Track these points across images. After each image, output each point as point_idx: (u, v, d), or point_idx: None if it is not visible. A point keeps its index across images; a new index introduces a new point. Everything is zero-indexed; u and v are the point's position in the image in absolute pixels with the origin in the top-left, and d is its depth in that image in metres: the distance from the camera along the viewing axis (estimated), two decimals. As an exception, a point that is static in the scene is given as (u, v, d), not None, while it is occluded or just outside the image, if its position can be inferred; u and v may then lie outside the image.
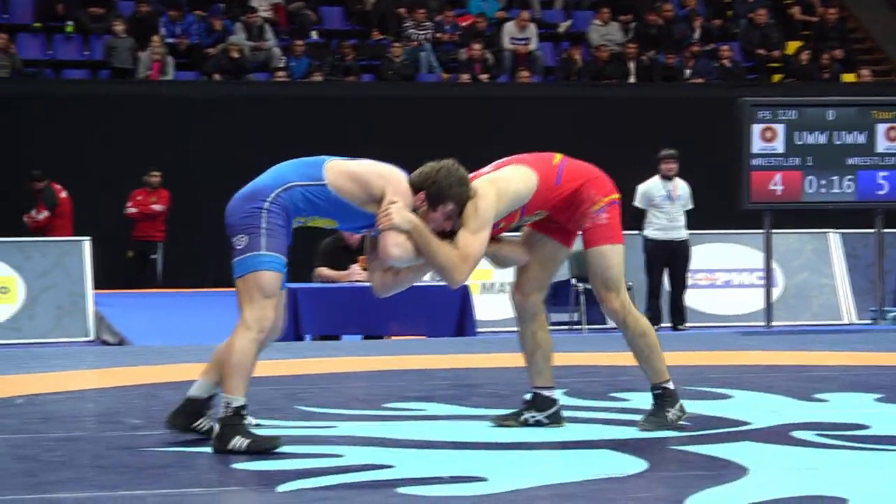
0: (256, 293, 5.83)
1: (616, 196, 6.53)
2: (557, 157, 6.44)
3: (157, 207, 17.65)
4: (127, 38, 19.58)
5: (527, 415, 6.48)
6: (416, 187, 6.03)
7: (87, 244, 14.16)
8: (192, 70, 20.02)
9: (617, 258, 6.46)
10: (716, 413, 6.96)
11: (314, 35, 21.28)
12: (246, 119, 18.61)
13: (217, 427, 5.82)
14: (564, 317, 14.36)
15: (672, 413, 6.40)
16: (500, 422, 6.49)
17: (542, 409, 6.50)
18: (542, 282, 6.56)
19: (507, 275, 14.63)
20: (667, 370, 6.50)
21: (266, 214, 5.81)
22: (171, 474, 5.48)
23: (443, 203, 6.01)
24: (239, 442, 5.76)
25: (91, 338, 13.68)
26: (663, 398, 6.43)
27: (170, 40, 20.09)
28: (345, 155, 6.18)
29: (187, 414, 6.16)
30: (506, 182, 6.23)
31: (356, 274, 11.21)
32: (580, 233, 6.48)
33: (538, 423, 6.45)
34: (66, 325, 13.74)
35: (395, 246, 5.90)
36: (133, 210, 17.66)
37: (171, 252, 18.08)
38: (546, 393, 6.54)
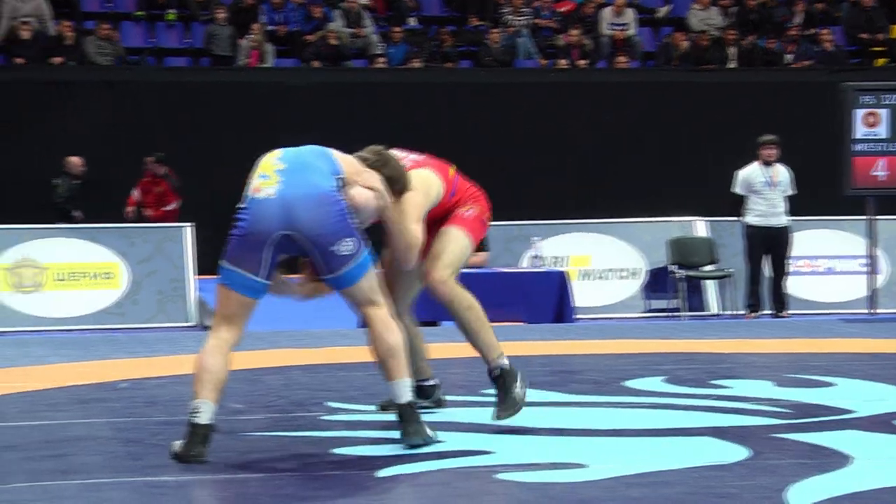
0: (376, 283, 5.70)
1: (488, 216, 6.48)
2: (452, 171, 6.44)
3: None
4: (227, 26, 19.73)
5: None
6: (372, 168, 6.02)
7: (188, 230, 14.30)
8: (290, 57, 20.13)
9: (462, 246, 6.32)
10: (819, 401, 6.89)
11: (412, 21, 21.30)
12: (344, 106, 18.67)
13: (408, 412, 5.59)
14: (663, 304, 14.28)
15: (517, 389, 6.22)
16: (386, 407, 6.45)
17: (429, 396, 6.56)
18: (411, 300, 6.52)
19: (607, 262, 14.63)
20: (498, 344, 6.30)
21: (349, 212, 5.63)
22: (273, 458, 5.53)
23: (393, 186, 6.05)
24: (431, 431, 5.63)
25: (193, 323, 13.82)
26: (503, 378, 6.25)
27: (269, 28, 20.22)
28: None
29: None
30: (430, 184, 6.26)
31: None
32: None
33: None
34: (168, 311, 13.90)
35: (364, 198, 5.85)
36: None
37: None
38: (429, 383, 6.60)
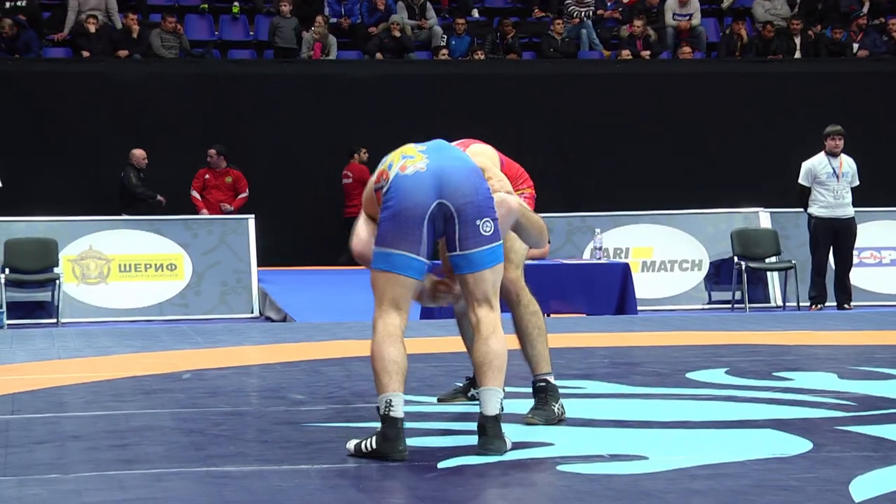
0: (500, 282, 5.54)
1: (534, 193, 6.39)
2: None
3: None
4: (291, 19, 19.80)
5: (473, 391, 6.46)
6: None
7: (251, 222, 14.38)
8: (353, 49, 20.18)
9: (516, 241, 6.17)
10: (883, 394, 6.83)
11: (475, 13, 21.29)
12: (407, 98, 18.70)
13: (493, 426, 5.39)
14: (726, 295, 14.20)
15: (556, 406, 6.07)
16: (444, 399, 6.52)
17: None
18: None
19: (669, 253, 14.57)
20: (550, 360, 6.16)
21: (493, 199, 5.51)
22: (334, 449, 5.54)
23: None
24: (509, 442, 5.46)
25: (255, 314, 13.91)
26: (546, 392, 6.10)
27: (333, 20, 20.27)
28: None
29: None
30: (491, 155, 6.16)
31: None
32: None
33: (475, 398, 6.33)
34: (230, 302, 13.99)
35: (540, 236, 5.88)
36: (348, 180, 17.68)
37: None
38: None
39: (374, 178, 5.58)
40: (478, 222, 5.37)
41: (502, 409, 5.41)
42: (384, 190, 5.43)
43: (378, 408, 5.31)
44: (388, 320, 5.40)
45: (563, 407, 6.11)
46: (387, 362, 5.32)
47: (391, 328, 5.38)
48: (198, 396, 7.02)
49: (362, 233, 5.67)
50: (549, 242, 6.05)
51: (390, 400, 5.28)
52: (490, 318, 5.44)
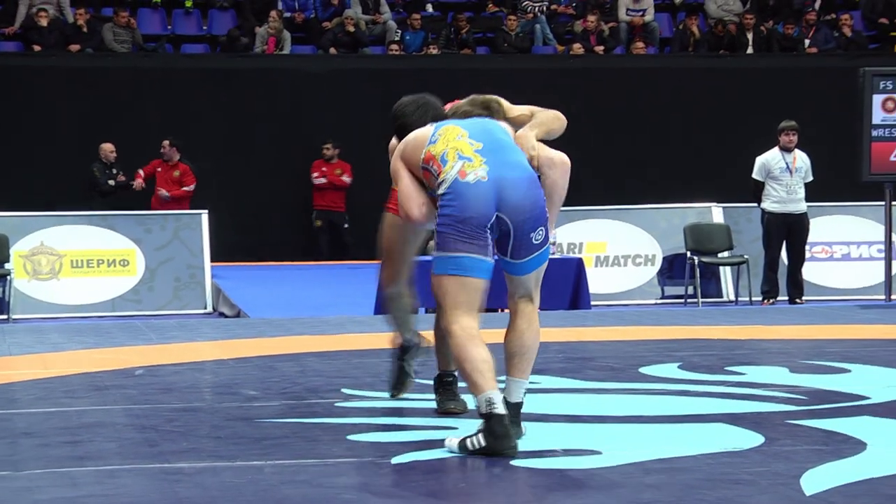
0: (542, 276, 5.59)
1: None
2: None
3: (345, 178, 17.72)
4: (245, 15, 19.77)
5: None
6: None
7: (204, 217, 14.33)
8: (308, 44, 20.13)
9: None
10: (834, 387, 6.88)
11: (429, 8, 21.29)
12: (361, 93, 18.67)
13: (516, 414, 5.50)
14: (679, 290, 14.26)
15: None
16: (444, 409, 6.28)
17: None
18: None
19: (622, 248, 14.61)
20: None
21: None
22: (288, 445, 5.53)
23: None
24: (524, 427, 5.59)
25: (208, 310, 13.86)
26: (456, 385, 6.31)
27: (287, 15, 20.22)
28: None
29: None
30: None
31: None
32: None
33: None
34: (184, 297, 13.94)
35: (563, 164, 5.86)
36: (322, 180, 17.69)
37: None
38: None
39: (421, 154, 5.54)
40: (532, 234, 5.44)
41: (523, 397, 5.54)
42: (441, 191, 5.42)
43: (478, 408, 5.31)
44: (465, 323, 5.40)
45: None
46: (477, 362, 5.32)
47: (470, 330, 5.39)
48: (151, 392, 7.00)
49: (414, 197, 5.61)
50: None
51: (490, 398, 5.27)
52: (529, 311, 5.54)
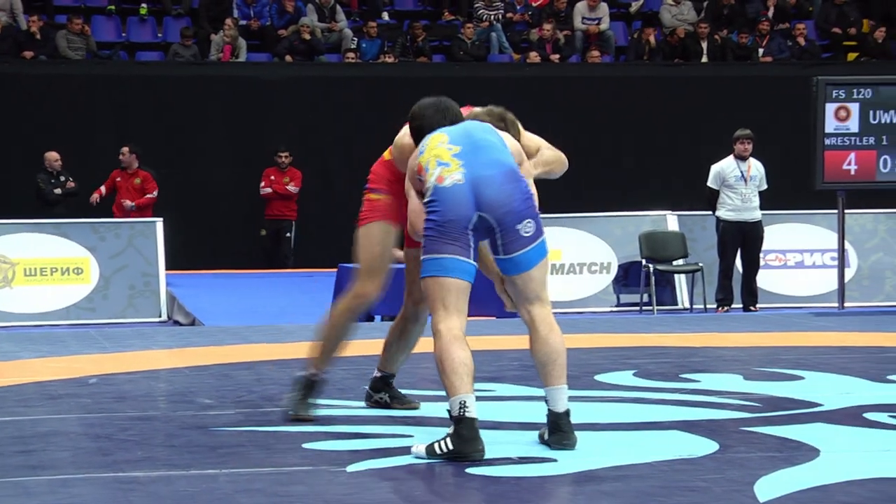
0: (547, 275, 5.62)
1: None
2: None
3: (291, 188, 17.66)
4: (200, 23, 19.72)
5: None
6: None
7: (159, 225, 14.27)
8: (263, 52, 20.10)
9: None
10: (788, 394, 6.92)
11: (385, 16, 21.30)
12: (317, 101, 18.65)
13: (566, 422, 5.53)
14: (635, 298, 14.31)
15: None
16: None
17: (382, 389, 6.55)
18: None
19: (577, 256, 14.63)
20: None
21: (532, 193, 5.58)
22: (243, 453, 5.52)
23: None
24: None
25: (163, 318, 13.80)
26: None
27: (242, 22, 20.18)
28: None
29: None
30: None
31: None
32: None
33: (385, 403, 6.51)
34: (138, 306, 13.87)
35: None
36: (267, 190, 17.64)
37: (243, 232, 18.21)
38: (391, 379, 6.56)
39: (413, 164, 5.67)
40: (517, 227, 5.47)
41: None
42: (426, 198, 5.52)
43: (449, 410, 5.33)
44: (450, 324, 5.45)
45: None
46: (456, 364, 5.35)
47: (455, 331, 5.43)
48: (105, 401, 6.96)
49: (419, 214, 5.67)
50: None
51: (464, 401, 5.30)
52: (544, 315, 5.55)
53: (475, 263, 5.51)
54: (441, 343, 5.40)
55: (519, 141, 5.98)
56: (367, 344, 9.42)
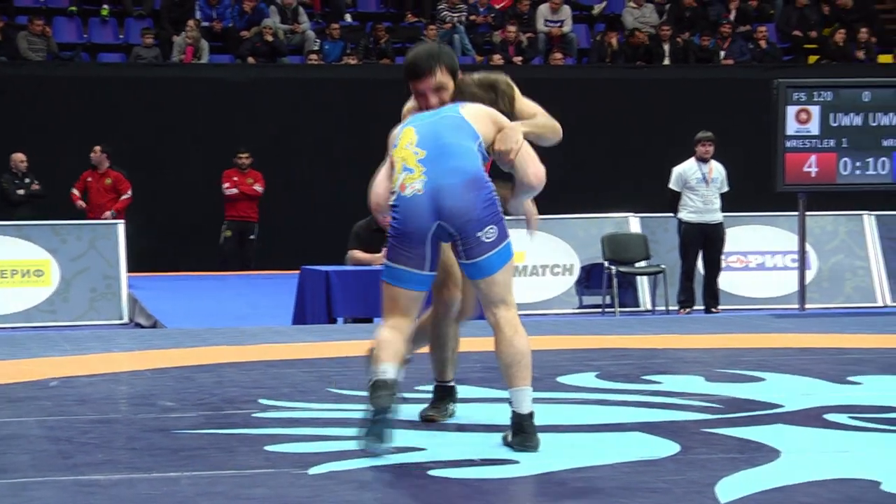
0: (512, 280, 5.63)
1: None
2: None
3: (257, 188, 17.61)
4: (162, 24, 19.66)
5: (451, 406, 6.34)
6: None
7: (121, 227, 14.22)
8: (226, 53, 20.06)
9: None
10: (749, 396, 6.94)
11: (348, 18, 21.29)
12: (280, 102, 18.62)
13: (529, 424, 5.54)
14: (597, 299, 14.34)
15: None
16: (427, 416, 6.26)
17: (455, 399, 6.38)
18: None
19: (540, 258, 14.65)
20: None
21: (496, 197, 5.57)
22: (204, 456, 5.50)
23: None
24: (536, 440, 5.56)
25: (125, 320, 13.75)
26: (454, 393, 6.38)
27: (204, 24, 20.14)
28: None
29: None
30: None
31: (389, 257, 11.20)
32: None
33: (453, 413, 6.34)
34: (99, 308, 13.81)
35: (537, 166, 5.81)
36: (233, 191, 17.56)
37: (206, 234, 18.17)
38: (453, 384, 6.42)
39: (390, 141, 5.74)
40: (478, 234, 5.50)
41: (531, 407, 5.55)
42: (391, 201, 5.57)
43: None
44: (391, 323, 5.60)
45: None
46: (382, 342, 5.53)
47: (394, 330, 5.58)
48: (65, 404, 6.93)
49: (381, 185, 5.74)
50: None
51: (379, 369, 5.47)
52: (509, 317, 5.58)
53: (431, 273, 5.57)
54: (377, 342, 5.57)
55: (512, 110, 5.90)
56: (329, 346, 9.44)
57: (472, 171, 5.53)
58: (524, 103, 6.00)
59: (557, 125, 6.00)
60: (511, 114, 5.91)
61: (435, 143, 5.57)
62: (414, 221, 5.48)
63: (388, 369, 5.47)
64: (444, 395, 6.33)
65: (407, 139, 5.62)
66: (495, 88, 5.91)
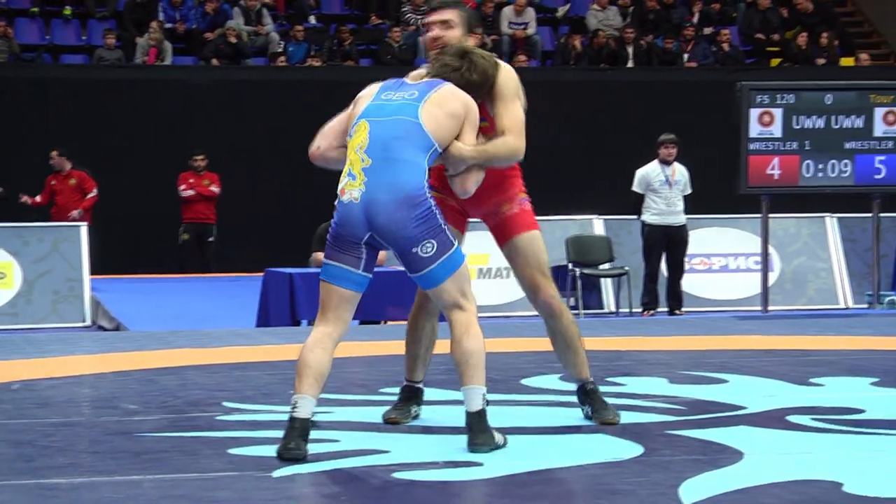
0: (466, 284, 5.61)
1: None
2: None
3: (214, 189, 17.55)
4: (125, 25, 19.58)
5: (415, 409, 6.31)
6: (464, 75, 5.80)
7: (83, 229, 14.16)
8: (189, 55, 20.00)
9: (544, 244, 6.31)
10: (712, 397, 6.96)
11: (312, 20, 21.26)
12: (244, 104, 18.58)
13: (477, 422, 5.52)
14: (562, 301, 14.34)
15: (612, 412, 6.21)
16: (390, 418, 6.23)
17: (421, 401, 6.35)
18: None
19: (502, 261, 14.63)
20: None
21: (436, 209, 5.54)
22: (168, 459, 5.48)
23: (479, 96, 5.83)
24: (499, 437, 5.58)
25: (87, 323, 13.69)
26: (597, 392, 6.28)
27: (168, 25, 20.07)
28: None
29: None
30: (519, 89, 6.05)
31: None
32: (484, 219, 6.19)
33: (417, 416, 6.31)
34: (62, 311, 13.75)
35: (470, 183, 5.78)
36: (190, 192, 17.50)
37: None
38: (421, 386, 6.37)
39: (350, 115, 5.84)
40: (414, 250, 5.51)
41: (486, 404, 5.51)
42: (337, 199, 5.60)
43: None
44: (321, 328, 5.59)
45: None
46: (302, 366, 5.50)
47: (320, 335, 5.56)
48: (27, 407, 6.89)
49: (324, 139, 5.88)
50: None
51: (296, 401, 5.45)
52: (461, 318, 5.58)
53: (365, 275, 5.60)
54: (305, 344, 5.58)
55: (486, 88, 5.82)
56: (293, 349, 9.41)
57: (409, 189, 5.49)
58: (507, 109, 5.89)
59: (518, 147, 5.89)
60: (480, 87, 5.80)
61: (382, 154, 5.55)
62: (348, 227, 5.53)
63: (303, 404, 5.44)
64: (410, 396, 6.32)
65: (359, 139, 5.61)
66: (467, 57, 5.85)
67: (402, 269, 5.72)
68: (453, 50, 5.93)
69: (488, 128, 5.88)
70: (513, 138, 5.87)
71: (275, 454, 5.43)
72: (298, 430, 5.40)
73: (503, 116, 5.89)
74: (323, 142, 5.87)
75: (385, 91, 5.82)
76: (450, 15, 5.96)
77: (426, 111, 5.65)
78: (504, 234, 6.22)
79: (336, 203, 5.59)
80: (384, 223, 5.47)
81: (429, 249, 5.51)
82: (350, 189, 5.53)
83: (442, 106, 5.68)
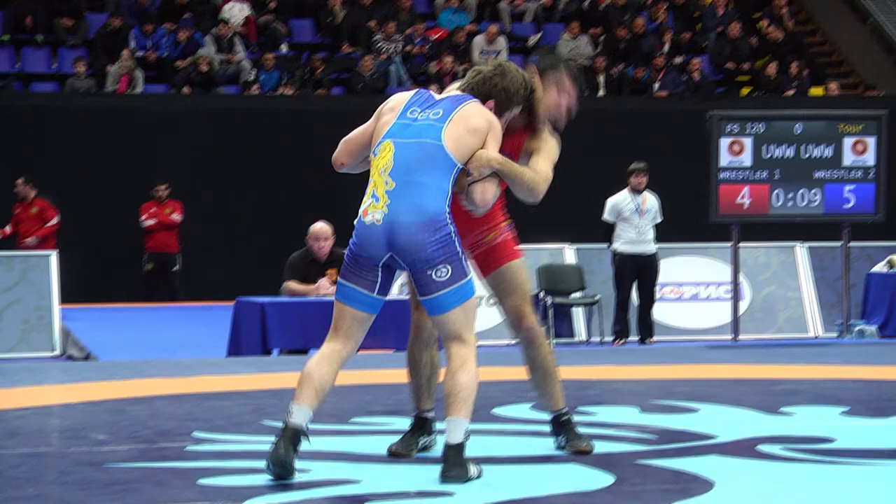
0: (472, 318, 5.66)
1: None
2: None
3: (175, 217, 17.51)
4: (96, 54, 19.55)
5: (423, 440, 6.26)
6: (483, 96, 5.86)
7: (53, 258, 14.08)
8: (161, 83, 19.98)
9: (528, 273, 6.32)
10: (682, 427, 6.97)
11: (284, 48, 21.27)
12: (215, 132, 18.57)
13: (453, 455, 5.53)
14: (533, 330, 14.34)
15: (586, 441, 6.24)
16: (393, 451, 6.17)
17: (430, 431, 6.31)
18: None
19: (476, 289, 14.63)
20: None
21: (456, 237, 5.60)
22: (137, 490, 5.45)
23: (509, 110, 5.91)
24: (474, 469, 5.57)
25: (57, 352, 13.60)
26: (571, 422, 6.30)
27: (139, 53, 20.05)
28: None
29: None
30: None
31: (324, 288, 11.19)
32: (469, 249, 6.13)
33: (426, 447, 6.26)
34: (31, 340, 13.66)
35: (489, 193, 5.79)
36: (151, 221, 17.48)
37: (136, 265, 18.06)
38: (431, 415, 6.34)
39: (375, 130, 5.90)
40: (429, 272, 5.56)
41: (467, 438, 5.54)
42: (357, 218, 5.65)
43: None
44: (331, 345, 5.69)
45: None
46: (305, 377, 5.61)
47: (329, 351, 5.66)
48: (-4, 438, 6.85)
49: (345, 149, 6.06)
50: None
51: (291, 409, 5.55)
52: (460, 352, 5.62)
53: (380, 297, 5.66)
54: (313, 357, 5.68)
55: (535, 109, 5.98)
56: (264, 378, 9.39)
57: (432, 213, 5.57)
58: (543, 157, 6.09)
59: (539, 187, 6.01)
60: (509, 98, 5.89)
61: (405, 178, 5.61)
62: (368, 249, 5.59)
63: (298, 411, 5.53)
64: (417, 427, 6.27)
65: (384, 160, 5.67)
66: (501, 67, 5.93)
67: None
68: (494, 64, 5.99)
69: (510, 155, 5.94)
70: (540, 178, 6.02)
71: (245, 484, 5.40)
72: (289, 436, 5.48)
73: (538, 161, 6.05)
74: (347, 159, 6.01)
75: (411, 107, 5.84)
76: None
77: (449, 131, 5.69)
78: (489, 264, 6.22)
79: (355, 223, 5.65)
80: (405, 244, 5.53)
81: (443, 274, 5.57)
82: (373, 211, 5.59)
83: (464, 122, 5.73)
